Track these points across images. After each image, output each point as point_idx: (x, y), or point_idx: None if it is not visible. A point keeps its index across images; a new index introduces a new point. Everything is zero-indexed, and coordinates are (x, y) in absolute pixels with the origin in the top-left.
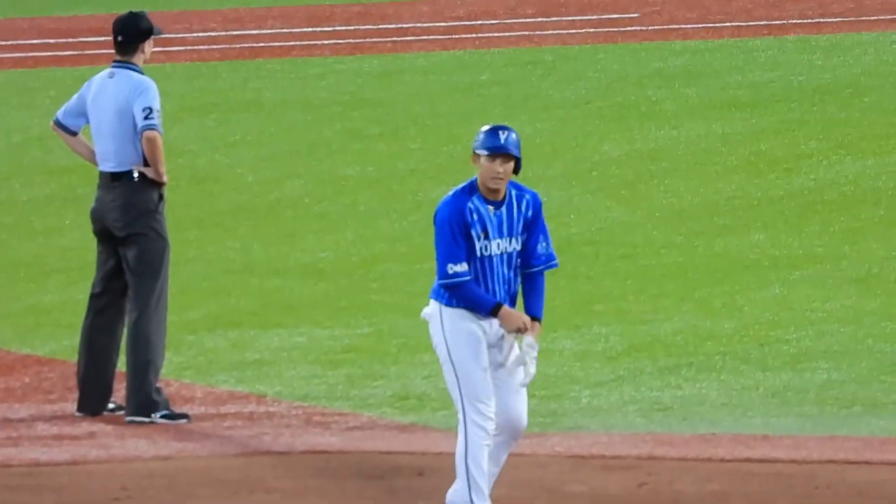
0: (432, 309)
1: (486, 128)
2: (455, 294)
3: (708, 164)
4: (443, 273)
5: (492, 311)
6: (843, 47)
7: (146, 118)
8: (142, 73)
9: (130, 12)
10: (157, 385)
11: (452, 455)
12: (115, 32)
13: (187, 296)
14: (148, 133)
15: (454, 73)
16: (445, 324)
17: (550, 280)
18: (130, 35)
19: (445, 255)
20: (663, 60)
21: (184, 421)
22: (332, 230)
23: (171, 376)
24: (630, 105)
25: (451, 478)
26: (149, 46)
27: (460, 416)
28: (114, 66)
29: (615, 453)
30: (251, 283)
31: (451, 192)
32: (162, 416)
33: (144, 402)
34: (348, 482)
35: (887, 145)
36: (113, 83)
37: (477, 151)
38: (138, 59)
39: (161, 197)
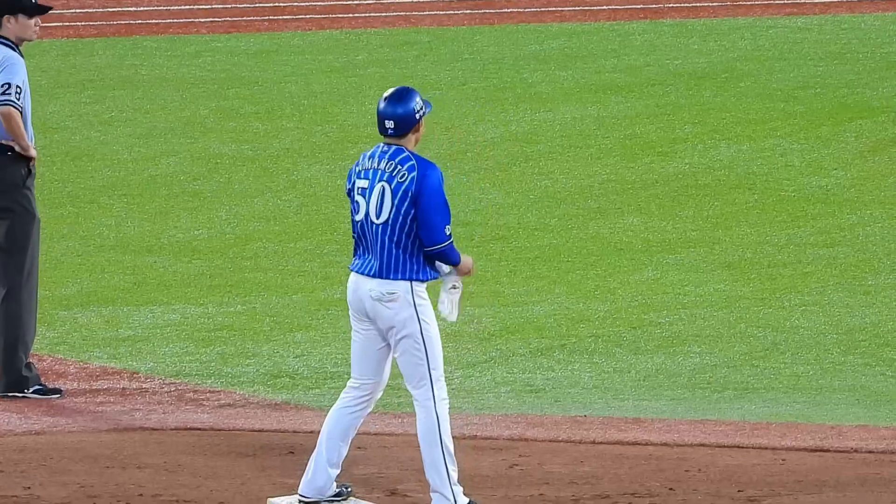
0: (398, 288)
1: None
2: (445, 253)
3: (583, 147)
4: (443, 236)
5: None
6: (719, 32)
7: (3, 93)
8: (12, 46)
9: None
10: (28, 361)
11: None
12: None
13: (61, 272)
14: (2, 109)
15: (330, 53)
16: (417, 301)
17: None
18: None
19: (445, 217)
20: (539, 43)
21: (56, 396)
22: (207, 208)
23: (44, 352)
24: (505, 87)
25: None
26: (15, 21)
27: (427, 393)
28: None
29: (487, 434)
30: (125, 260)
31: (421, 158)
32: (34, 392)
33: (16, 379)
34: (220, 459)
35: (762, 130)
36: None
37: (422, 117)
38: (6, 31)
39: (30, 172)
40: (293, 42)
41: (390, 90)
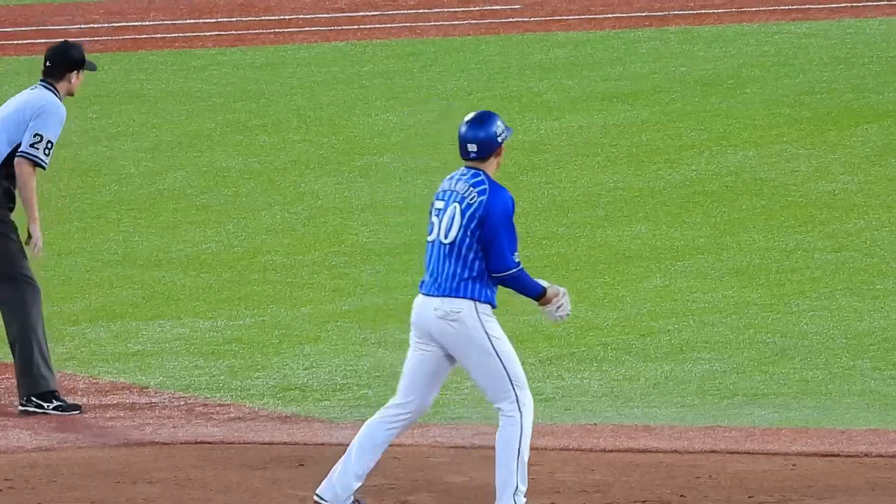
0: (462, 306)
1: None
2: (516, 279)
3: (590, 155)
4: (512, 262)
5: (539, 295)
6: (725, 38)
7: (32, 145)
8: (59, 98)
9: (64, 41)
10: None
11: (333, 446)
12: (45, 58)
13: (69, 287)
14: (25, 165)
15: (336, 65)
16: (483, 319)
17: None
18: (57, 62)
19: (513, 243)
20: (545, 52)
21: (76, 412)
22: (214, 222)
23: (54, 368)
24: (512, 96)
25: (330, 468)
26: (76, 78)
27: (512, 404)
28: (39, 82)
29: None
30: (133, 274)
31: (495, 182)
32: (55, 409)
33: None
34: (230, 473)
35: (768, 136)
36: (27, 91)
37: (504, 140)
38: (62, 86)
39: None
40: (299, 54)
41: (471, 114)
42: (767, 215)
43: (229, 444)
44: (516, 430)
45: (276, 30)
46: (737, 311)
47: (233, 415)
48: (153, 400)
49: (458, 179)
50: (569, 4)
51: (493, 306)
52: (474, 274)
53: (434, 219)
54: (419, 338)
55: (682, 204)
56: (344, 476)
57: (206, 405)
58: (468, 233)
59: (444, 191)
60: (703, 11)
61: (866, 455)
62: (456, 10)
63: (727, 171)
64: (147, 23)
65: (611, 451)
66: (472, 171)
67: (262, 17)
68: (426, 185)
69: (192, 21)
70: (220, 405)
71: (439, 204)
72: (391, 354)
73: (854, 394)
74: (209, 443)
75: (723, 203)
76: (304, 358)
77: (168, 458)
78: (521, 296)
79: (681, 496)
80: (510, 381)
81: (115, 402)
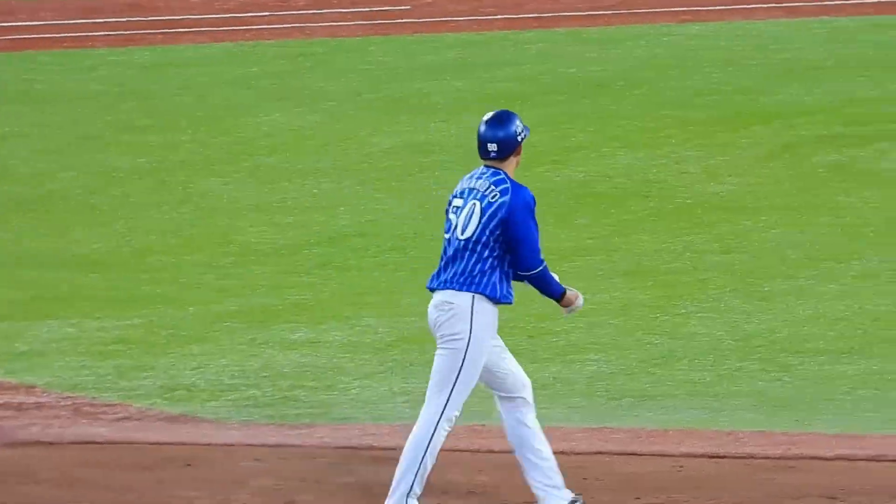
0: (460, 300)
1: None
2: (541, 277)
3: (478, 156)
4: (539, 260)
5: (560, 295)
6: (615, 40)
7: None
8: None
9: None
10: None
11: (220, 446)
12: None
13: None
14: None
15: (225, 65)
16: (475, 318)
17: (320, 272)
18: None
19: (537, 241)
20: (434, 53)
21: None
22: (104, 222)
23: None
24: (401, 98)
25: (222, 468)
26: None
27: (437, 407)
28: None
29: (385, 444)
30: (22, 274)
31: (516, 182)
32: None
33: None
34: (117, 473)
35: (658, 138)
36: None
37: (523, 140)
38: None
39: None
40: (188, 55)
41: (490, 114)
42: (656, 217)
43: (116, 444)
44: (426, 435)
45: (166, 30)
46: (625, 312)
47: (120, 415)
48: (40, 400)
49: (479, 178)
50: (458, 6)
51: (509, 303)
52: (485, 269)
53: (452, 216)
54: (436, 337)
55: (570, 205)
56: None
57: (93, 405)
58: (486, 230)
59: (464, 189)
60: (592, 13)
61: (753, 457)
62: (345, 10)
63: (616, 173)
64: (36, 23)
65: (498, 452)
66: (493, 170)
67: (152, 18)
68: (314, 185)
69: (82, 21)
70: (107, 405)
71: (458, 202)
72: (279, 354)
73: (741, 395)
74: (96, 443)
75: (612, 204)
76: (192, 358)
77: (55, 458)
78: (544, 295)
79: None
80: (453, 386)
81: (1, 402)
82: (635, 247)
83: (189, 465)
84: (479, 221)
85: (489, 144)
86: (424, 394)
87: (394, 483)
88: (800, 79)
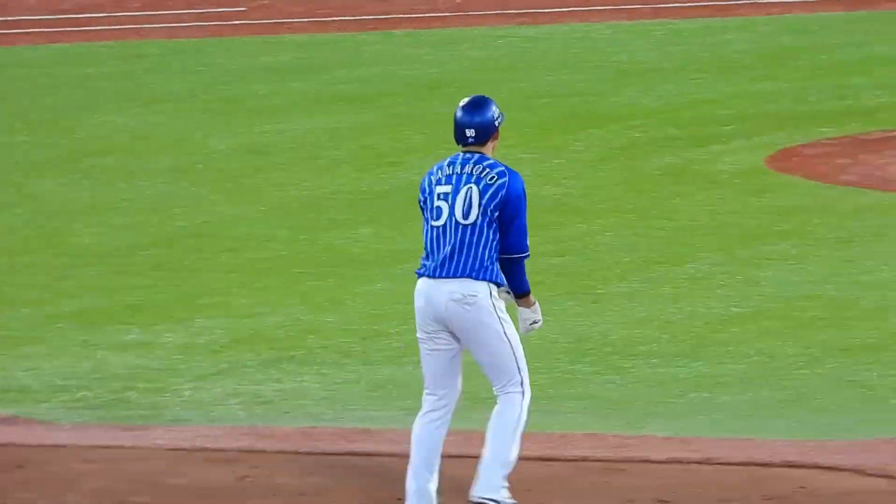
0: (480, 289)
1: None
2: (521, 263)
3: (314, 158)
4: (526, 245)
5: (526, 292)
6: (451, 42)
7: None
8: None
9: None
10: None
11: (52, 447)
12: None
13: None
14: None
15: (61, 67)
16: (496, 303)
17: (154, 274)
18: None
19: (526, 224)
20: (271, 54)
21: None
22: None
23: None
24: (237, 99)
25: (54, 470)
26: None
27: (518, 387)
28: None
29: (217, 446)
30: None
31: (506, 165)
32: None
33: None
34: None
35: None
36: None
37: (500, 125)
38: None
39: None
40: (24, 55)
41: (466, 99)
42: None
43: None
44: (516, 409)
45: (2, 31)
46: None
47: None
48: None
49: (463, 163)
50: (294, 7)
51: (503, 286)
52: (493, 254)
53: (441, 203)
54: (428, 327)
55: (405, 208)
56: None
57: None
58: (487, 213)
59: (448, 175)
60: (429, 15)
61: (585, 459)
62: (181, 12)
63: None
64: None
65: (330, 454)
66: (479, 154)
67: None
68: (149, 186)
69: None
70: None
71: (444, 188)
72: (112, 356)
73: (574, 398)
74: None
75: None
76: (24, 359)
77: None
78: (511, 284)
79: (399, 499)
80: (518, 366)
81: None
82: None
83: (21, 466)
84: (480, 205)
85: (467, 130)
86: (257, 396)
87: (487, 457)
88: (635, 81)
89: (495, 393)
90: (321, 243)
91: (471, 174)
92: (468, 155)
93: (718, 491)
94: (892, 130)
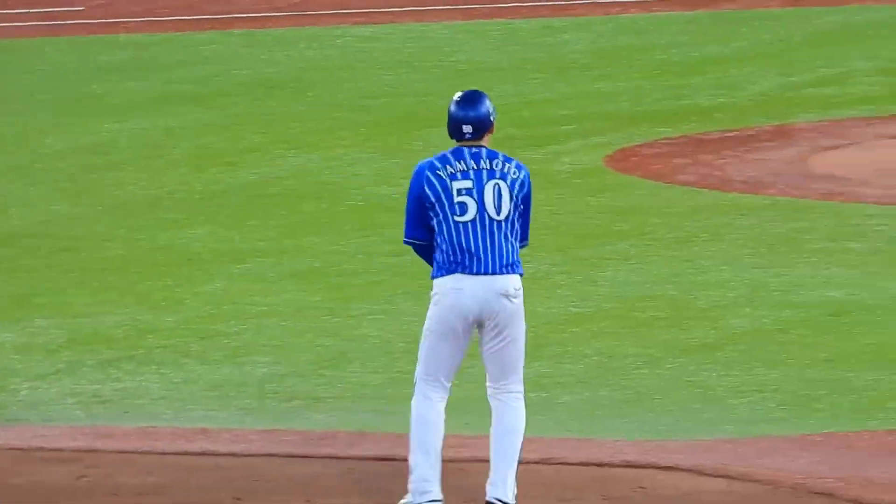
0: (519, 284)
1: None
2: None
3: (152, 157)
4: (529, 235)
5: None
6: (288, 42)
7: None
8: None
9: None
10: None
11: None
12: None
13: None
14: None
15: None
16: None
17: None
18: None
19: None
20: (109, 54)
21: None
22: None
23: None
24: (74, 98)
25: None
26: None
27: (521, 387)
28: None
29: (55, 446)
30: None
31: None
32: None
33: None
34: None
35: (330, 140)
36: None
37: (495, 118)
38: None
39: None
40: None
41: (460, 94)
42: (329, 219)
43: None
44: (523, 410)
45: None
46: (297, 314)
47: None
48: None
49: (475, 158)
50: (132, 7)
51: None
52: (519, 248)
53: (465, 198)
54: (461, 321)
55: (243, 207)
56: (437, 475)
57: None
58: (517, 207)
59: (464, 171)
60: (266, 15)
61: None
62: (19, 11)
63: (289, 175)
64: None
65: (169, 453)
66: (483, 148)
67: None
68: None
69: None
70: None
71: (463, 183)
72: None
73: (411, 398)
74: None
75: (284, 206)
76: None
77: None
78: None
79: (237, 499)
80: (522, 365)
81: None
82: (308, 248)
83: None
84: (510, 200)
85: (464, 126)
86: (95, 395)
87: (502, 460)
88: (473, 81)
89: (495, 389)
90: (159, 243)
91: (492, 170)
92: (475, 150)
93: (560, 491)
94: (730, 131)
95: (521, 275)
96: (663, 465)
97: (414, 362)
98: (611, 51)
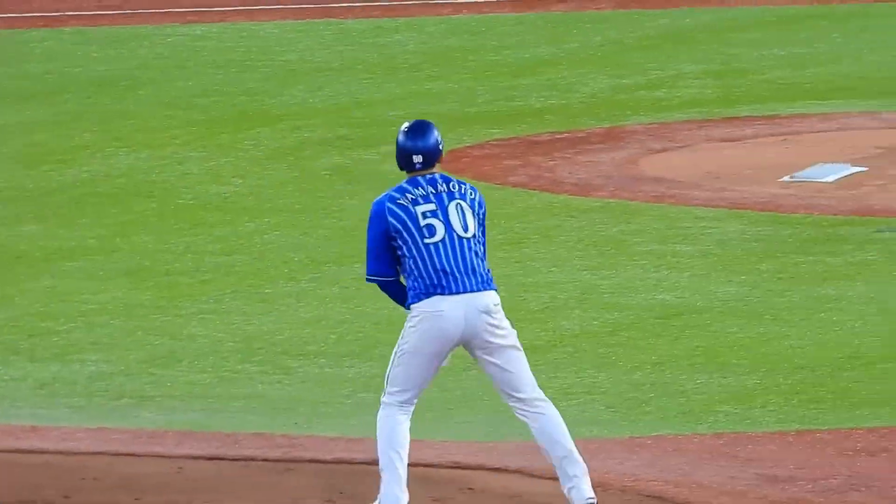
0: (498, 298)
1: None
2: None
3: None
4: None
5: None
6: (119, 40)
7: None
8: None
9: None
10: None
11: None
12: None
13: None
14: None
15: None
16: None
17: None
18: None
19: None
20: None
21: None
22: None
23: None
24: None
25: None
26: None
27: (541, 392)
28: None
29: None
30: None
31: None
32: None
33: None
34: None
35: (161, 138)
36: None
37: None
38: None
39: None
40: None
41: (408, 125)
42: (159, 217)
43: None
44: (554, 409)
45: None
46: (126, 312)
47: None
48: None
49: (430, 183)
50: None
51: None
52: (487, 264)
53: (431, 220)
54: (447, 344)
55: (73, 205)
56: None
57: None
58: (479, 224)
59: (424, 195)
60: (97, 13)
61: (252, 459)
62: None
63: (119, 173)
64: None
65: (53, 452)
66: (437, 174)
67: None
68: None
69: None
70: None
71: (426, 207)
72: None
73: (241, 397)
74: None
75: (114, 204)
76: None
77: None
78: None
79: (66, 497)
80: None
81: None
82: (137, 247)
83: None
84: (474, 217)
85: (415, 156)
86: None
87: (571, 472)
88: (304, 81)
89: (517, 405)
90: None
91: (451, 191)
92: (429, 176)
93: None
94: (561, 132)
95: (495, 290)
96: (491, 466)
97: (242, 361)
98: (442, 52)
